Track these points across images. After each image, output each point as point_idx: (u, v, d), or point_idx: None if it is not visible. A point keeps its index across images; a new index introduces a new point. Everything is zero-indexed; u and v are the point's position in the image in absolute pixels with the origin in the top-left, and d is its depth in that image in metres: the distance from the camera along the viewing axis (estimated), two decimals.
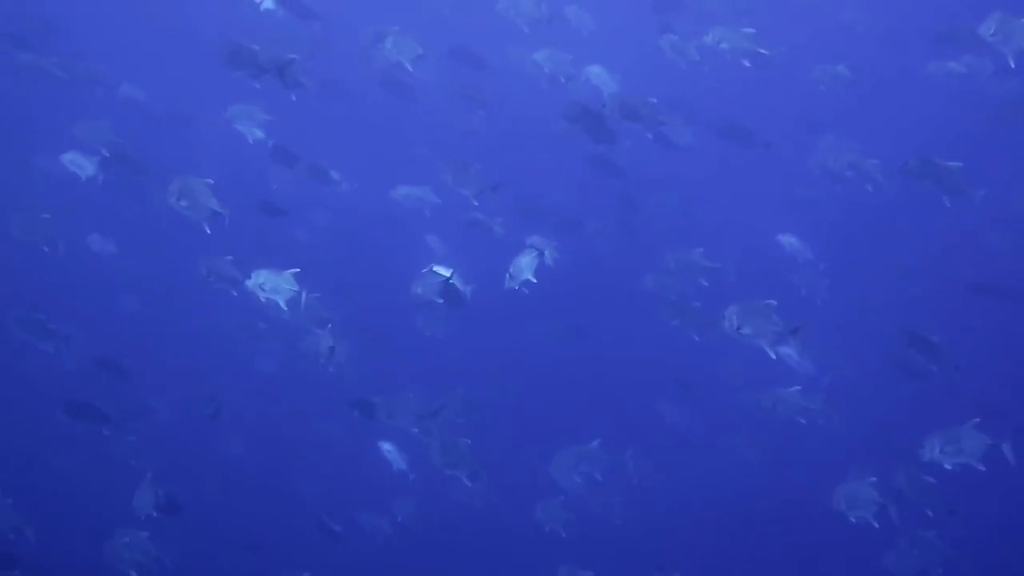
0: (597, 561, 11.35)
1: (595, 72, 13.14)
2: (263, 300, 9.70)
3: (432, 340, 13.72)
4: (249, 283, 9.59)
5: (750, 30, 10.75)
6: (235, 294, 10.07)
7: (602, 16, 14.45)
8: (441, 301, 10.32)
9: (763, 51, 10.68)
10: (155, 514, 10.34)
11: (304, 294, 10.08)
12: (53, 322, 12.88)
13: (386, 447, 11.82)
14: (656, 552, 12.47)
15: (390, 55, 11.67)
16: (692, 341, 11.85)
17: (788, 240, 13.65)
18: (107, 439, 12.74)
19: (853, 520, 9.59)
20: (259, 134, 12.51)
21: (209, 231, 9.50)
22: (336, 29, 13.80)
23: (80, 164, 12.31)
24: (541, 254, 9.63)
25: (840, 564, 12.48)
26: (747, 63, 10.80)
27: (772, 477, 13.82)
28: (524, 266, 9.47)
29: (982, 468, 8.68)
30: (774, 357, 8.93)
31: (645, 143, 11.74)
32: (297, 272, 9.56)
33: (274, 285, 9.55)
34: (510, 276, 9.51)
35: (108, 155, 12.48)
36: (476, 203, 11.31)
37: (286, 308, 9.71)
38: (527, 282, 9.56)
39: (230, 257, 9.88)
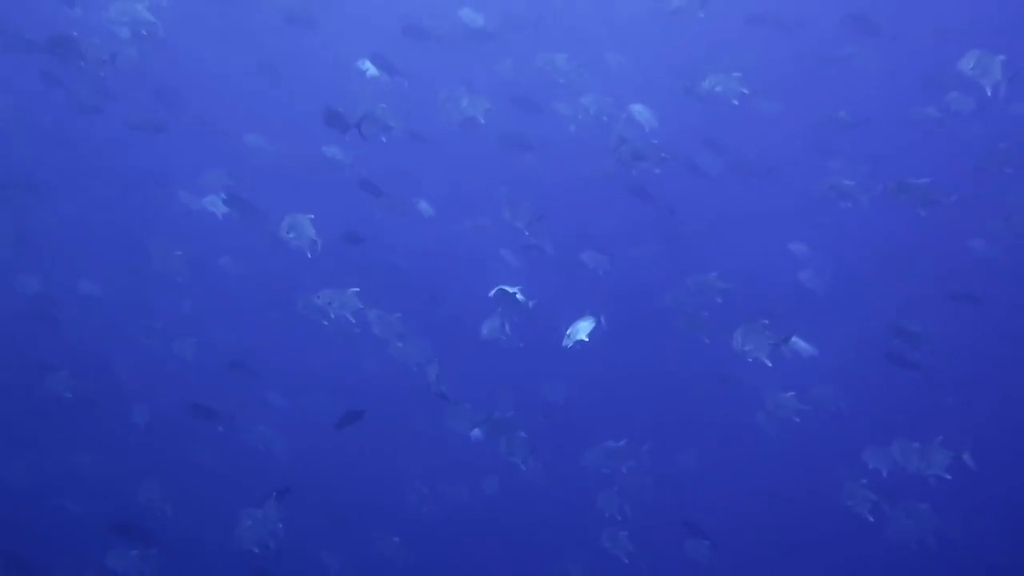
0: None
1: (637, 110, 13.81)
2: (333, 316, 10.83)
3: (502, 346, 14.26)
4: (318, 301, 10.85)
5: (737, 74, 11.77)
6: (325, 323, 11.22)
7: (638, 60, 15.89)
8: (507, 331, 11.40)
9: (745, 91, 11.69)
10: (280, 525, 11.11)
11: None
12: (173, 330, 14.84)
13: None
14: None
15: (466, 111, 12.78)
16: (719, 345, 12.36)
17: (798, 247, 15.09)
18: (243, 428, 14.42)
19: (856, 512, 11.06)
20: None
21: (309, 255, 10.78)
22: (420, 85, 14.82)
23: (216, 204, 14.14)
24: (598, 321, 10.45)
25: (847, 535, 13.15)
26: (735, 102, 11.78)
27: (791, 456, 14.41)
28: (581, 329, 10.38)
29: (948, 477, 10.06)
30: (770, 365, 9.93)
31: (678, 174, 13.06)
32: (358, 291, 10.70)
33: (341, 302, 10.76)
34: (568, 336, 10.41)
35: (227, 196, 14.06)
36: (527, 233, 12.66)
37: (353, 320, 10.76)
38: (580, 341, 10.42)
39: (321, 293, 10.90)
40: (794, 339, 12.26)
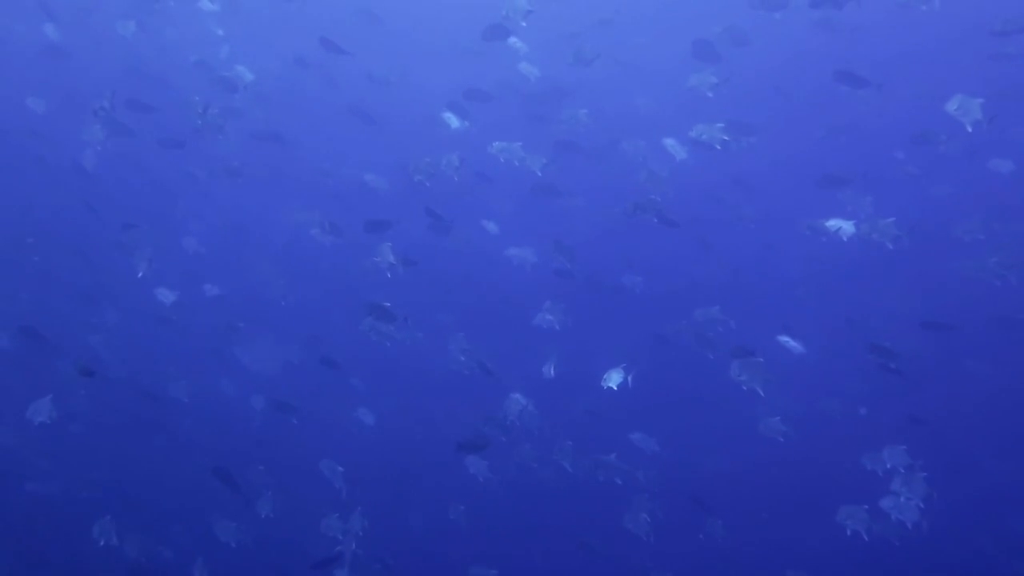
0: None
1: (669, 143, 14.94)
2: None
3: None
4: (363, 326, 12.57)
5: (720, 124, 12.44)
6: (388, 344, 12.77)
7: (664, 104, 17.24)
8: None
9: (727, 138, 12.38)
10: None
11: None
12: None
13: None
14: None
15: (529, 166, 13.51)
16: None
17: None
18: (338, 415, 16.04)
19: (848, 533, 11.59)
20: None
21: (389, 276, 12.57)
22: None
23: (323, 234, 15.82)
24: (628, 375, 11.39)
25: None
26: (718, 147, 12.50)
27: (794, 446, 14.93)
28: (613, 377, 11.38)
29: (922, 505, 11.18)
30: (763, 395, 11.28)
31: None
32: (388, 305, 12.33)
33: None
34: (604, 379, 11.42)
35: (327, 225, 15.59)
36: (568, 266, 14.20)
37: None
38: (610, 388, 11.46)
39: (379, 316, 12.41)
40: (784, 338, 13.87)
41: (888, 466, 12.03)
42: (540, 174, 13.41)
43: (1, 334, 16.35)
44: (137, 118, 16.49)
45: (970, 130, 11.30)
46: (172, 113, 16.00)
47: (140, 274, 13.34)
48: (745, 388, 11.22)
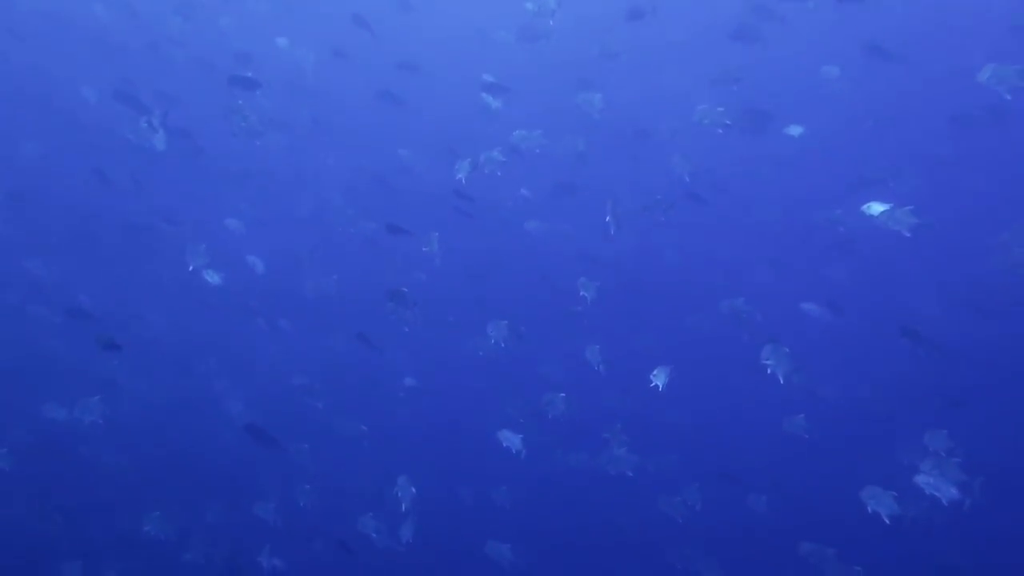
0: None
1: (701, 109, 14.50)
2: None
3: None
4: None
5: (721, 108, 12.36)
6: (407, 330, 13.00)
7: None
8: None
9: (728, 122, 12.31)
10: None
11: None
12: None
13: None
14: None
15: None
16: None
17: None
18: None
19: (869, 511, 11.03)
20: None
21: (438, 263, 12.99)
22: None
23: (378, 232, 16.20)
24: (668, 375, 11.66)
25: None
26: (720, 130, 12.43)
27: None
28: (659, 374, 11.66)
29: (954, 490, 10.66)
30: (782, 383, 11.34)
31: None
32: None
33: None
34: (653, 376, 11.73)
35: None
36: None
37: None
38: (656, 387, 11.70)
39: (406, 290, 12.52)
40: (809, 305, 13.74)
41: (930, 450, 11.83)
42: (577, 160, 13.51)
43: (54, 315, 16.45)
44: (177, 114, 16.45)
45: (1008, 97, 10.72)
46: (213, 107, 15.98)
47: (191, 267, 13.35)
48: (769, 372, 11.25)
